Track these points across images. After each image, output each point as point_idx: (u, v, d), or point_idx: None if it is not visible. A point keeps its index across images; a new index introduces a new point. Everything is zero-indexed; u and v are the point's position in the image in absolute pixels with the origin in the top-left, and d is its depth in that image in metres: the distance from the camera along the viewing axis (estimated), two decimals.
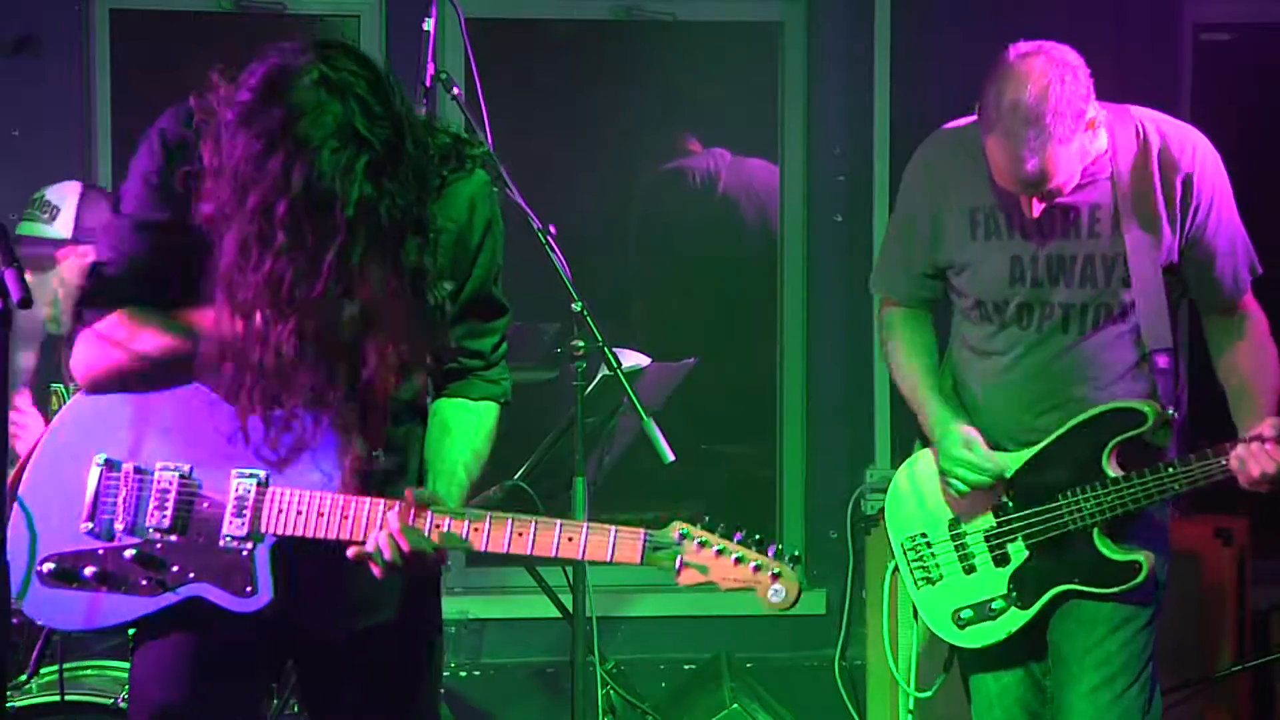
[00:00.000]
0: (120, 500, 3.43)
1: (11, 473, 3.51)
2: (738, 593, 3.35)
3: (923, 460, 4.50)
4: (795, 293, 6.58)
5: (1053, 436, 4.31)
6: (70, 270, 4.87)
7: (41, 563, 3.44)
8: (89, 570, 3.42)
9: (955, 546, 4.42)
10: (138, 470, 3.44)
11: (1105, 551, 4.26)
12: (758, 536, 3.39)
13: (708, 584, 3.33)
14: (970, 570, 4.40)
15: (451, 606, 6.16)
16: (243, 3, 6.31)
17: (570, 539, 3.34)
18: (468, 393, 3.61)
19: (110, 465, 3.45)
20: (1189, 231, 4.24)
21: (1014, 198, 4.23)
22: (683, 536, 3.33)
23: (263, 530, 3.39)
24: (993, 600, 4.36)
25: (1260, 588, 5.85)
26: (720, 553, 3.33)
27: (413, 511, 3.35)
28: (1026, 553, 4.34)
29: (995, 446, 4.34)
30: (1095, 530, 4.26)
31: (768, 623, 6.44)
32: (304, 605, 3.47)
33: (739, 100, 6.81)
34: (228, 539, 3.39)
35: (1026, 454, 4.33)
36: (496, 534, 3.37)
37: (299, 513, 3.38)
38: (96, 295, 3.46)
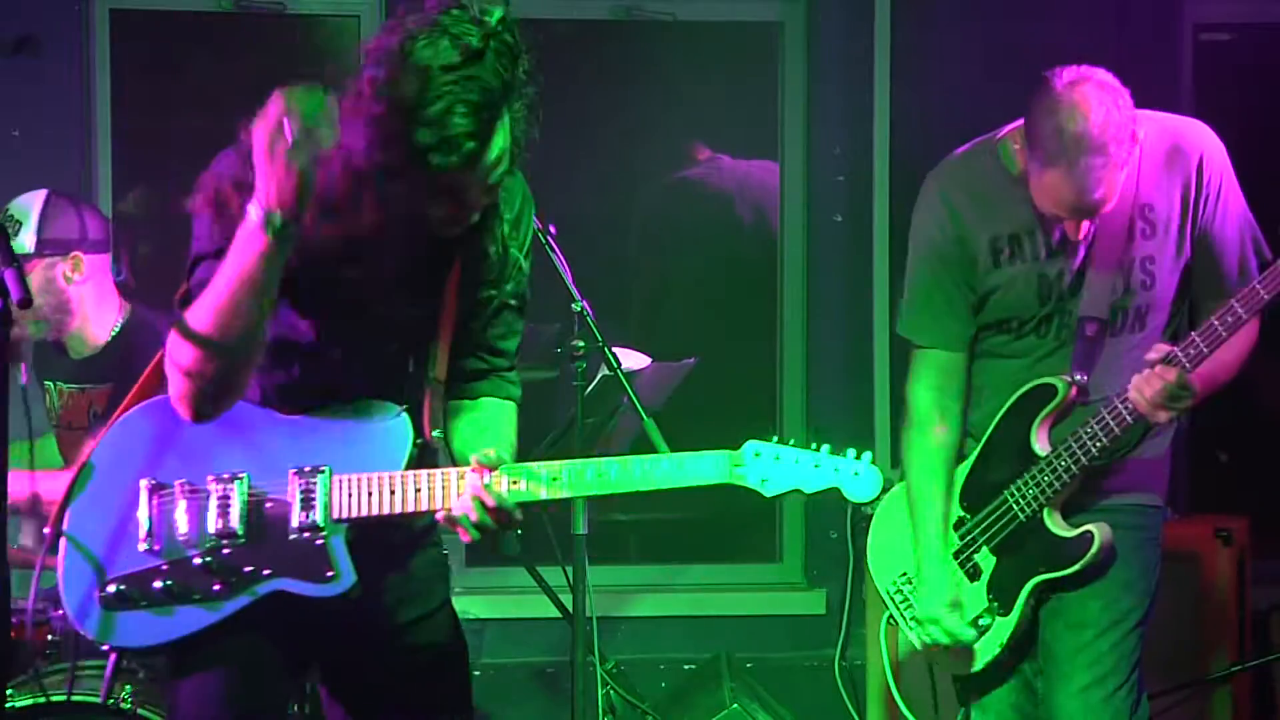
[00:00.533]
0: (178, 515, 3.47)
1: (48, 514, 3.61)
2: (823, 493, 3.40)
3: (900, 497, 4.49)
4: (795, 293, 6.58)
5: (984, 437, 4.33)
6: (38, 280, 4.81)
7: (105, 587, 3.47)
8: (157, 584, 3.45)
9: None
10: (189, 485, 3.47)
11: (1056, 531, 4.25)
12: (827, 446, 3.42)
13: (793, 491, 3.38)
14: None
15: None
16: (243, 3, 6.31)
17: (651, 472, 3.41)
18: (491, 393, 3.65)
19: (159, 486, 3.49)
20: (1200, 221, 4.23)
21: (1035, 223, 4.22)
22: (759, 454, 3.39)
23: (334, 516, 3.42)
24: (980, 617, 4.35)
25: (1260, 588, 5.85)
26: (798, 462, 3.38)
27: (487, 471, 3.38)
28: (994, 559, 4.34)
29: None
30: (1045, 512, 4.26)
31: (767, 623, 6.45)
32: (361, 607, 3.51)
33: (739, 100, 6.81)
34: (298, 532, 3.42)
35: (969, 460, 4.35)
36: (577, 481, 3.40)
37: (369, 494, 3.41)
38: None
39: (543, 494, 3.40)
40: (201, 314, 3.30)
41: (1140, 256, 4.24)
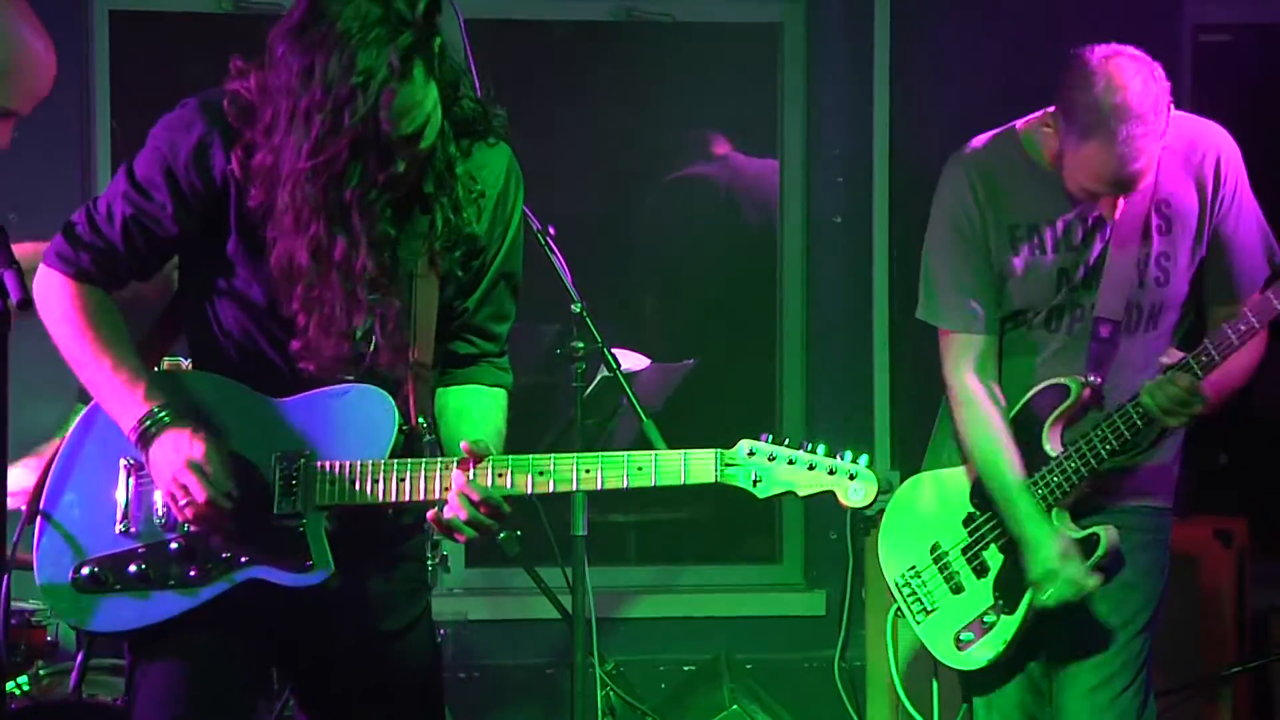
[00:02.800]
0: (155, 496, 3.42)
1: (26, 492, 3.53)
2: (817, 496, 3.32)
3: (912, 491, 4.49)
4: (795, 294, 6.58)
5: None
6: None
7: (80, 569, 3.42)
8: (132, 568, 3.40)
9: (939, 569, 4.40)
10: None
11: (1064, 532, 4.24)
12: (823, 446, 3.36)
13: (787, 493, 3.31)
14: (958, 589, 4.39)
15: (451, 607, 6.16)
16: (242, 4, 6.30)
17: (640, 469, 3.34)
18: (480, 379, 3.58)
19: (137, 466, 3.44)
20: (1216, 221, 4.23)
21: (1054, 213, 4.22)
22: (753, 453, 3.31)
23: (316, 504, 3.37)
24: (984, 614, 4.34)
25: (1259, 588, 5.85)
26: (793, 463, 3.30)
27: (473, 464, 3.34)
28: (1002, 557, 4.33)
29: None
30: (1054, 513, 4.25)
31: (767, 624, 6.44)
32: (337, 611, 3.48)
33: (738, 101, 6.80)
34: (278, 519, 3.37)
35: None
36: (564, 475, 3.36)
37: (352, 482, 3.36)
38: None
39: (529, 488, 3.35)
40: (55, 330, 3.47)
41: (1156, 252, 4.23)
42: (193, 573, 3.39)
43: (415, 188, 3.38)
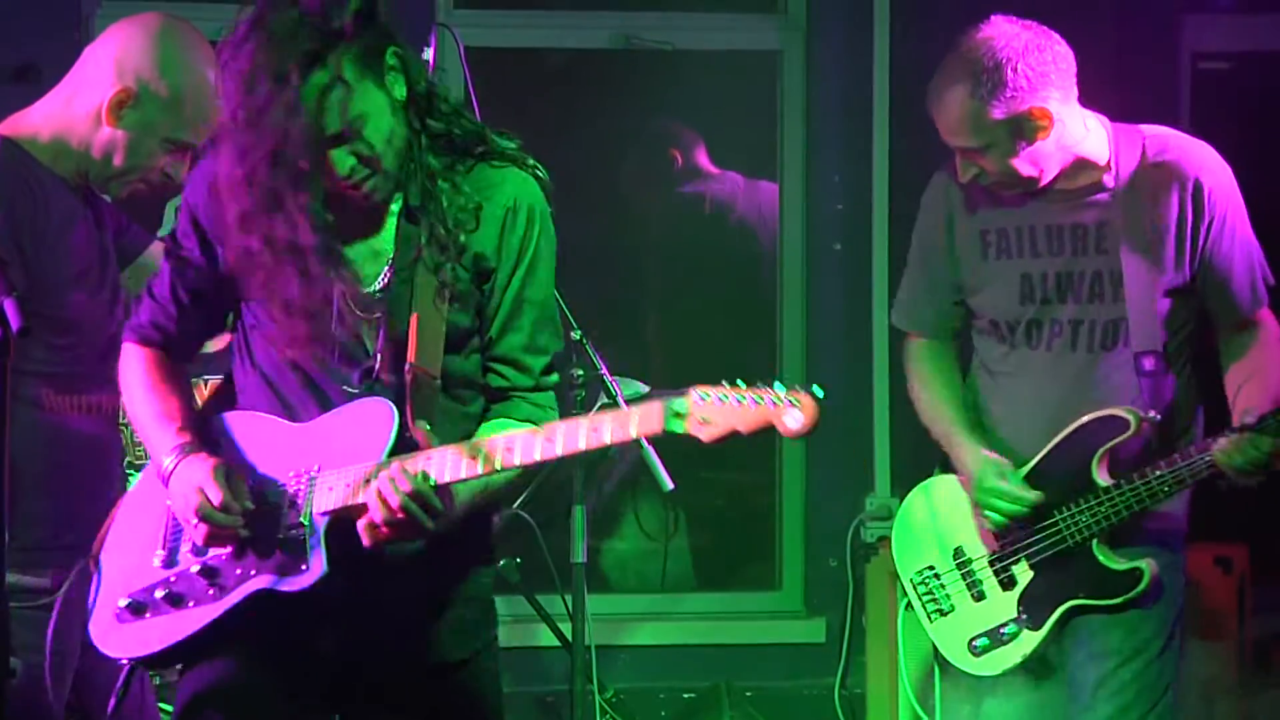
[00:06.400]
0: (186, 529, 3.52)
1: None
2: (759, 432, 3.23)
3: (933, 489, 4.51)
4: (794, 320, 6.58)
5: (1042, 453, 4.31)
6: None
7: (118, 601, 3.55)
8: (160, 594, 3.51)
9: (962, 575, 4.41)
10: None
11: (1106, 562, 4.25)
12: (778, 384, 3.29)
13: (731, 433, 3.23)
14: (979, 597, 4.39)
15: None
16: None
17: (595, 429, 3.28)
18: (511, 413, 3.55)
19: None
20: (1203, 245, 4.24)
21: (1024, 217, 4.28)
22: (701, 399, 3.24)
23: (316, 510, 3.42)
24: (1004, 625, 4.35)
25: (1260, 616, 5.84)
26: (738, 401, 3.24)
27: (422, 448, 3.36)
28: (1031, 574, 4.33)
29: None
30: (1094, 542, 4.25)
31: (767, 651, 6.43)
32: (370, 644, 3.51)
33: (737, 129, 6.82)
34: (286, 529, 3.44)
35: (1020, 475, 4.34)
36: (525, 447, 3.31)
37: (346, 485, 3.40)
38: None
39: (465, 470, 3.31)
40: (125, 394, 3.68)
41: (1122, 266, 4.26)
42: (210, 591, 3.47)
43: (389, 195, 3.48)
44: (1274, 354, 4.32)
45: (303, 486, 3.44)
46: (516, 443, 3.31)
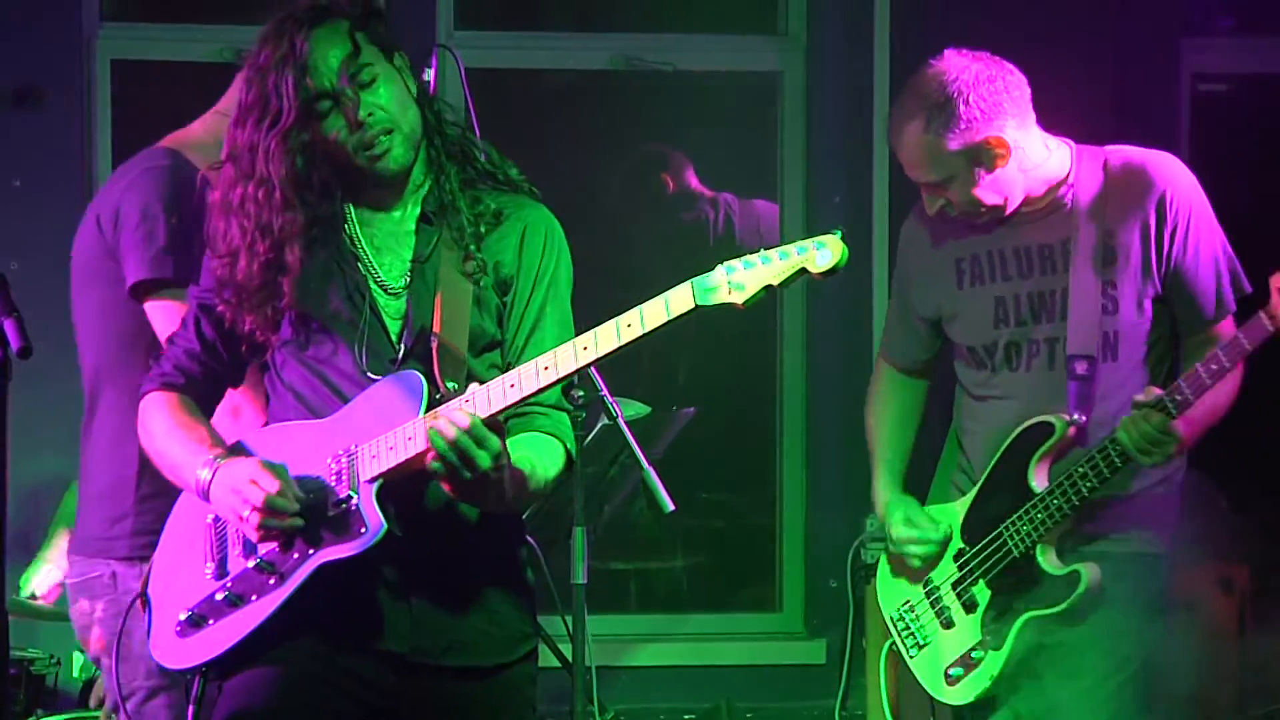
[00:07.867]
0: (230, 534, 3.53)
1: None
2: (790, 281, 3.29)
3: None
4: (794, 341, 6.59)
5: (987, 470, 4.33)
6: None
7: (178, 616, 3.54)
8: (219, 597, 3.50)
9: (931, 604, 4.42)
10: None
11: (1047, 568, 4.25)
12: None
13: (764, 289, 3.30)
14: (949, 624, 4.39)
15: None
16: (244, 53, 6.32)
17: (630, 325, 3.35)
18: (536, 426, 3.58)
19: (215, 518, 3.57)
20: (1168, 253, 4.24)
21: (994, 242, 4.30)
22: (728, 270, 3.31)
23: (362, 479, 3.42)
24: (972, 650, 4.35)
25: (1261, 636, 5.84)
26: (764, 261, 3.29)
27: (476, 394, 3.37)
28: (989, 592, 4.33)
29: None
30: (1038, 549, 4.25)
31: (767, 672, 6.43)
32: (408, 637, 3.52)
33: (738, 150, 6.83)
34: (335, 506, 3.43)
35: (970, 495, 4.35)
36: (563, 359, 3.34)
37: (390, 448, 3.39)
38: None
39: (537, 382, 3.33)
40: (146, 441, 3.66)
41: (1103, 281, 4.26)
42: (272, 581, 3.46)
43: (408, 170, 3.58)
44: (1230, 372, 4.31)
45: (344, 465, 3.44)
46: (553, 358, 3.33)
